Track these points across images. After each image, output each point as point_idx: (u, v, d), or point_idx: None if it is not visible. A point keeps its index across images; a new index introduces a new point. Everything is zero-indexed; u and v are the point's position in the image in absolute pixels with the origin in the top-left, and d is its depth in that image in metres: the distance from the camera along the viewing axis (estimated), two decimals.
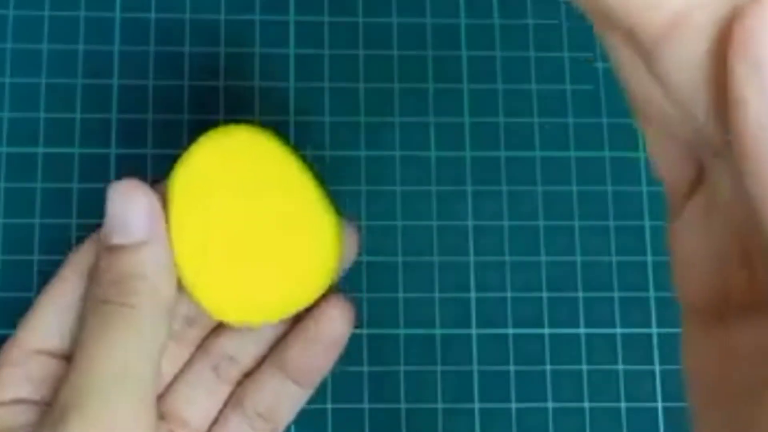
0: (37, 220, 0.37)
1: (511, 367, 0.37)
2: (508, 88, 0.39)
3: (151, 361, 0.28)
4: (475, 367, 0.37)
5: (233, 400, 0.33)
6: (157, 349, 0.29)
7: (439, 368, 0.36)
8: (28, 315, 0.31)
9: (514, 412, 0.36)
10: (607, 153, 0.39)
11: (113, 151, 0.38)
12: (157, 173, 0.37)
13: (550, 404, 0.36)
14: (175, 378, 0.33)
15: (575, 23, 0.40)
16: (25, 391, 0.30)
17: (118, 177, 0.37)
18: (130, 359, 0.28)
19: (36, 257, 0.36)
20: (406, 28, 0.40)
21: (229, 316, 0.30)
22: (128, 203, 0.29)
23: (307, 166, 0.30)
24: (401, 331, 0.37)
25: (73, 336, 0.30)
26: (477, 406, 0.36)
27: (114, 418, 0.27)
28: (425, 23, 0.40)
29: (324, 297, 0.30)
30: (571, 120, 0.39)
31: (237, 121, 0.31)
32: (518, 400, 0.36)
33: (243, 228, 0.29)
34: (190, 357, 0.33)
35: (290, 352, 0.31)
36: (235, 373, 0.33)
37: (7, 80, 0.38)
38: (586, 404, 0.37)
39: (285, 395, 0.32)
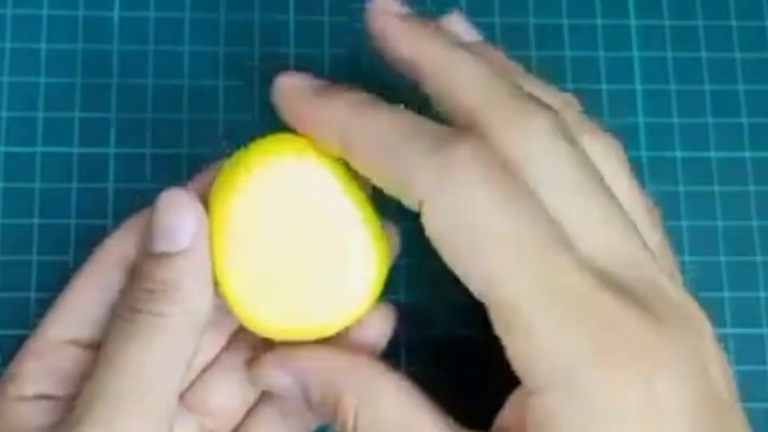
0: (36, 220, 0.37)
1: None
2: None
3: (174, 376, 0.28)
4: (476, 368, 0.37)
5: (266, 394, 0.32)
6: (184, 362, 0.28)
7: (438, 368, 0.36)
8: (57, 305, 0.31)
9: None
10: None
11: (112, 150, 0.38)
12: (156, 173, 0.37)
13: None
14: (207, 368, 0.32)
15: (576, 22, 0.40)
16: (48, 386, 0.30)
17: (117, 177, 0.37)
18: (152, 372, 0.27)
19: (35, 257, 0.36)
20: None
21: (272, 334, 0.30)
22: (176, 212, 0.29)
23: (358, 186, 0.30)
24: (401, 332, 0.37)
25: (104, 326, 0.30)
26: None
27: None
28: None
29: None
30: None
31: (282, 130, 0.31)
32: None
33: (290, 247, 0.29)
34: (224, 347, 0.33)
35: None
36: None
37: (6, 79, 0.38)
38: None
39: None
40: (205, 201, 0.30)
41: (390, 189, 0.28)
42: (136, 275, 0.29)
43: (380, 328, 0.31)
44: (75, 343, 0.30)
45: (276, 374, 0.30)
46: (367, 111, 0.28)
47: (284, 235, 0.29)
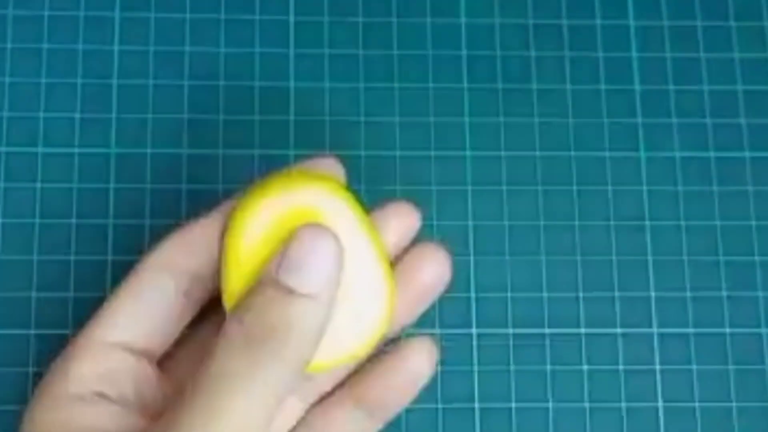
0: (37, 220, 0.37)
1: (512, 367, 0.37)
2: (509, 88, 0.39)
3: (269, 417, 0.26)
4: (475, 368, 0.37)
5: (303, 422, 0.32)
6: (279, 406, 0.27)
7: (438, 368, 0.36)
8: (105, 306, 0.30)
9: (514, 412, 0.36)
10: (608, 153, 0.39)
11: (113, 150, 0.38)
12: (156, 173, 0.37)
13: (550, 404, 0.36)
14: None
15: (576, 22, 0.40)
16: (106, 387, 0.29)
17: (118, 177, 0.37)
18: (253, 410, 0.26)
19: (35, 257, 0.36)
20: (407, 28, 0.40)
21: None
22: (319, 252, 0.27)
23: (371, 224, 0.30)
24: (401, 332, 0.37)
25: (148, 331, 0.29)
26: (477, 406, 0.36)
27: None
28: (425, 23, 0.40)
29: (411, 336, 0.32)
30: (571, 120, 0.39)
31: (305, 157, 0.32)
32: (518, 400, 0.36)
33: None
34: None
35: (370, 383, 0.32)
36: (310, 393, 0.32)
37: (7, 80, 0.38)
38: (587, 404, 0.36)
39: (355, 426, 0.32)
40: (224, 231, 0.30)
41: None
42: (257, 301, 0.27)
43: (426, 358, 0.32)
44: (121, 346, 0.30)
45: None
46: None
47: None
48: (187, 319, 0.31)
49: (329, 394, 0.33)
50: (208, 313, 0.31)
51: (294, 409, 0.32)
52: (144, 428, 0.29)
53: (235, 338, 0.27)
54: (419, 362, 0.32)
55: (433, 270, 0.32)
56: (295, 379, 0.27)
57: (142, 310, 0.30)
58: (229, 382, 0.26)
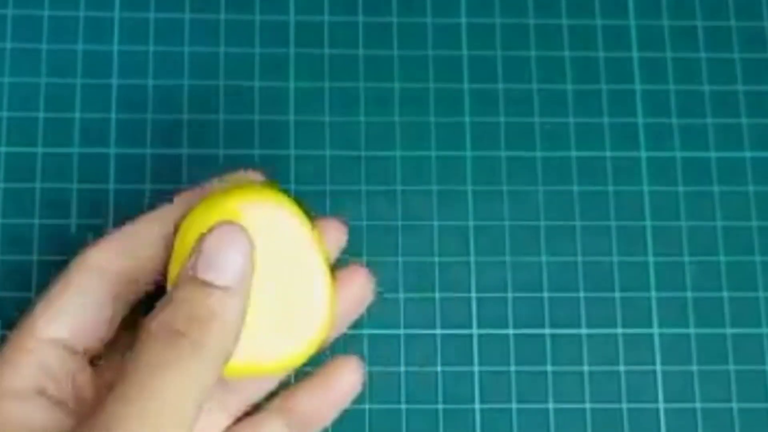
0: (36, 221, 0.37)
1: (512, 368, 0.37)
2: (509, 88, 0.39)
3: (197, 407, 0.27)
4: (476, 368, 0.37)
5: None
6: (207, 395, 0.28)
7: (439, 368, 0.36)
8: (39, 305, 0.30)
9: (514, 412, 0.36)
10: (608, 153, 0.39)
11: (112, 150, 0.38)
12: (155, 173, 0.37)
13: (550, 404, 0.36)
14: None
15: (576, 22, 0.40)
16: (44, 382, 0.29)
17: (117, 177, 0.37)
18: (182, 399, 0.27)
19: (35, 257, 0.36)
20: (407, 28, 0.40)
21: (234, 372, 0.30)
22: (230, 246, 0.29)
23: (318, 234, 0.31)
24: (401, 332, 0.37)
25: (81, 330, 0.30)
26: (477, 406, 0.36)
27: None
28: (425, 23, 0.40)
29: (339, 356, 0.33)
30: (571, 119, 0.39)
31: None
32: (518, 401, 0.36)
33: (256, 286, 0.30)
34: None
35: (300, 398, 0.33)
36: (236, 403, 0.33)
37: (6, 80, 0.38)
38: (587, 405, 0.36)
39: None
40: (176, 230, 0.31)
41: None
42: (177, 296, 0.28)
43: (356, 376, 0.34)
44: (57, 343, 0.30)
45: None
46: None
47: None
48: (118, 319, 0.31)
49: (258, 408, 0.34)
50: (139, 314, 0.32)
51: (219, 420, 0.33)
52: (77, 424, 0.29)
53: (158, 332, 0.28)
54: (349, 379, 0.34)
55: (361, 290, 0.34)
56: (218, 370, 0.28)
57: (73, 310, 0.30)
58: (156, 374, 0.27)
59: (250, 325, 0.29)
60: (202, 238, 0.29)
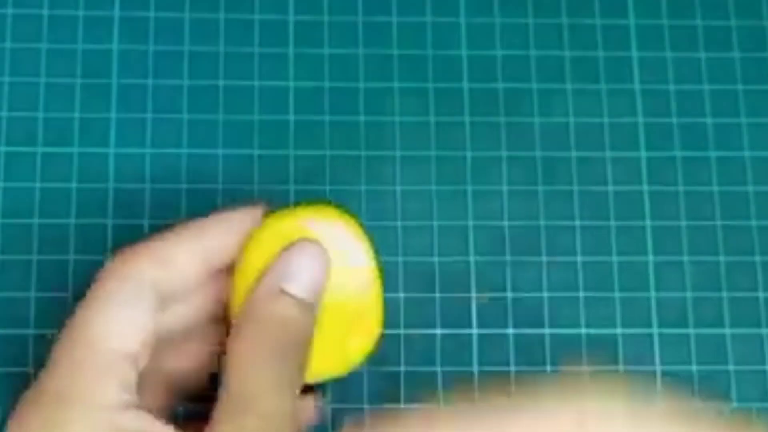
0: (36, 220, 0.37)
1: (512, 368, 0.37)
2: (509, 88, 0.39)
3: (294, 411, 0.30)
4: (476, 368, 0.37)
5: None
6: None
7: (439, 369, 0.36)
8: (93, 314, 0.29)
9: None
10: (608, 153, 0.39)
11: (112, 150, 0.38)
12: (155, 173, 0.37)
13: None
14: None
15: (576, 22, 0.40)
16: (128, 395, 0.29)
17: (117, 177, 0.37)
18: (286, 404, 0.29)
19: (35, 257, 0.36)
20: (407, 28, 0.40)
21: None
22: (316, 263, 0.31)
23: (372, 248, 0.33)
24: (401, 332, 0.37)
25: (138, 339, 0.29)
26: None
27: None
28: (425, 23, 0.40)
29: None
30: (572, 120, 0.39)
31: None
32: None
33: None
34: None
35: None
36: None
37: (6, 80, 0.38)
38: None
39: None
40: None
41: None
42: (263, 309, 0.30)
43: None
44: (123, 353, 0.29)
45: None
46: None
47: None
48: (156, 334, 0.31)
49: None
50: None
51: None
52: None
53: (258, 346, 0.29)
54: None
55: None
56: (303, 374, 0.30)
57: (131, 319, 0.30)
58: (263, 385, 0.29)
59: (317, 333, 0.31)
60: (285, 253, 0.31)
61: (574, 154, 0.39)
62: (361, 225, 0.32)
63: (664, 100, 0.40)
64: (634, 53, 0.40)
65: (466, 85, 0.39)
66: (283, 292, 0.30)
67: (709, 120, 0.39)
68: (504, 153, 0.39)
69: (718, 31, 0.40)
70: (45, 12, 0.39)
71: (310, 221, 0.32)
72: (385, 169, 0.38)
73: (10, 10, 0.39)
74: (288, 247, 0.31)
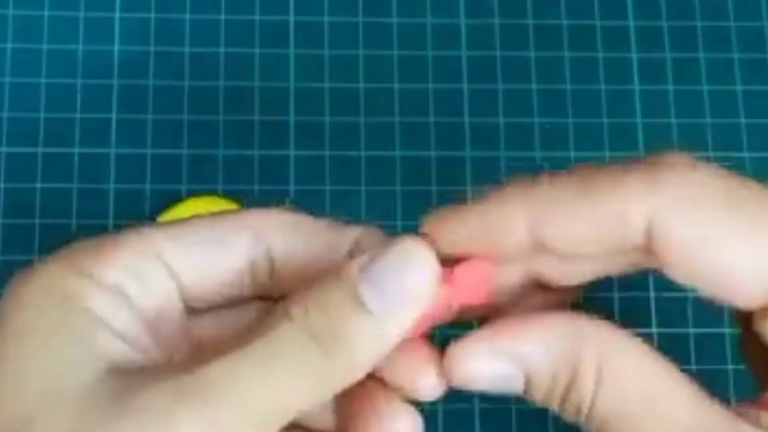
0: (37, 220, 0.37)
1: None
2: (509, 88, 0.39)
3: (286, 412, 0.24)
4: None
5: None
6: (304, 409, 0.24)
7: None
8: (173, 225, 0.26)
9: (514, 412, 0.36)
10: (608, 153, 0.39)
11: (113, 150, 0.38)
12: (155, 172, 0.37)
13: None
14: None
15: (576, 22, 0.40)
16: (132, 287, 0.25)
17: (118, 177, 0.37)
18: (277, 396, 0.23)
19: (36, 257, 0.36)
20: (407, 28, 0.40)
21: None
22: (411, 272, 0.24)
23: None
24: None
25: (202, 274, 0.26)
26: (477, 406, 0.36)
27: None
28: (425, 23, 0.40)
29: None
30: (571, 120, 0.39)
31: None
32: (518, 401, 0.36)
33: None
34: None
35: None
36: None
37: (7, 80, 0.38)
38: None
39: None
40: None
41: (596, 239, 0.25)
42: (323, 299, 0.24)
43: None
44: (168, 268, 0.26)
45: (485, 364, 0.26)
46: (544, 186, 0.26)
47: None
48: (237, 291, 0.28)
49: None
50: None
51: None
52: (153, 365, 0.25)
53: (298, 324, 0.24)
54: None
55: None
56: (333, 389, 0.24)
57: (205, 250, 0.26)
58: (283, 358, 0.23)
59: None
60: (382, 245, 0.24)
61: (573, 154, 0.39)
62: None
63: (664, 100, 0.40)
64: (634, 53, 0.40)
65: (465, 85, 0.39)
66: (359, 295, 0.23)
67: (707, 120, 0.39)
68: (503, 153, 0.39)
69: (717, 32, 0.40)
70: (45, 12, 0.39)
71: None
72: (385, 170, 0.38)
73: (10, 11, 0.39)
74: (392, 242, 0.24)
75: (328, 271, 0.24)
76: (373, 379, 0.26)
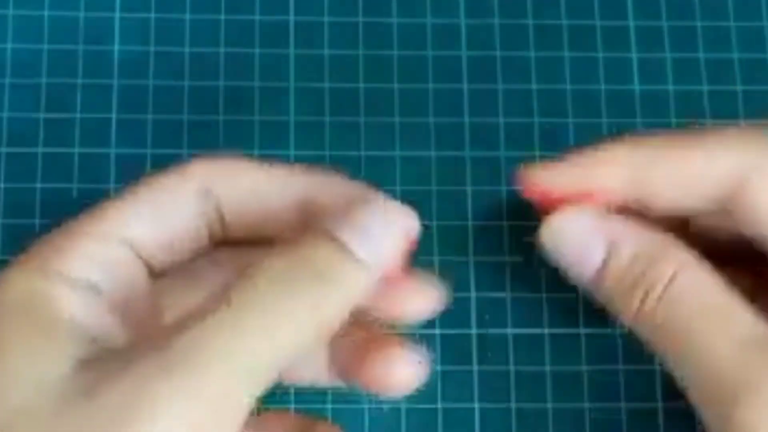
0: (36, 221, 0.37)
1: (511, 368, 0.37)
2: (508, 88, 0.39)
3: (290, 358, 0.24)
4: (475, 368, 0.37)
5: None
6: (299, 352, 0.24)
7: (439, 368, 0.36)
8: (115, 202, 0.27)
9: (514, 412, 0.36)
10: None
11: (113, 151, 0.38)
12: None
13: (549, 405, 0.36)
14: None
15: (575, 23, 0.40)
16: (100, 278, 0.25)
17: (118, 177, 0.37)
18: (297, 336, 0.24)
19: None
20: (407, 28, 0.40)
21: None
22: (391, 224, 0.26)
23: None
24: (401, 331, 0.37)
25: (159, 239, 0.26)
26: (477, 406, 0.36)
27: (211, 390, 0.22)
28: (425, 23, 0.40)
29: None
30: (571, 120, 0.39)
31: None
32: (518, 401, 0.36)
33: None
34: None
35: None
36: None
37: (7, 80, 0.38)
38: (586, 405, 0.37)
39: None
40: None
41: (688, 187, 0.29)
42: (305, 242, 0.25)
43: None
44: (129, 243, 0.26)
45: (579, 227, 0.30)
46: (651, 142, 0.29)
47: None
48: (195, 245, 0.28)
49: None
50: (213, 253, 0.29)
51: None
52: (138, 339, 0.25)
53: (280, 269, 0.24)
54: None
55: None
56: (317, 335, 0.25)
57: (158, 215, 0.27)
58: (268, 306, 0.23)
59: None
60: (358, 201, 0.26)
61: None
62: None
63: (664, 100, 0.40)
64: (634, 53, 0.40)
65: (466, 85, 0.39)
66: (340, 240, 0.24)
67: (707, 121, 0.39)
68: (503, 153, 0.39)
69: (718, 31, 0.40)
70: (45, 12, 0.39)
71: None
72: (385, 170, 0.38)
73: (10, 11, 0.39)
74: (369, 198, 0.26)
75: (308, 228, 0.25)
76: (363, 327, 0.29)
